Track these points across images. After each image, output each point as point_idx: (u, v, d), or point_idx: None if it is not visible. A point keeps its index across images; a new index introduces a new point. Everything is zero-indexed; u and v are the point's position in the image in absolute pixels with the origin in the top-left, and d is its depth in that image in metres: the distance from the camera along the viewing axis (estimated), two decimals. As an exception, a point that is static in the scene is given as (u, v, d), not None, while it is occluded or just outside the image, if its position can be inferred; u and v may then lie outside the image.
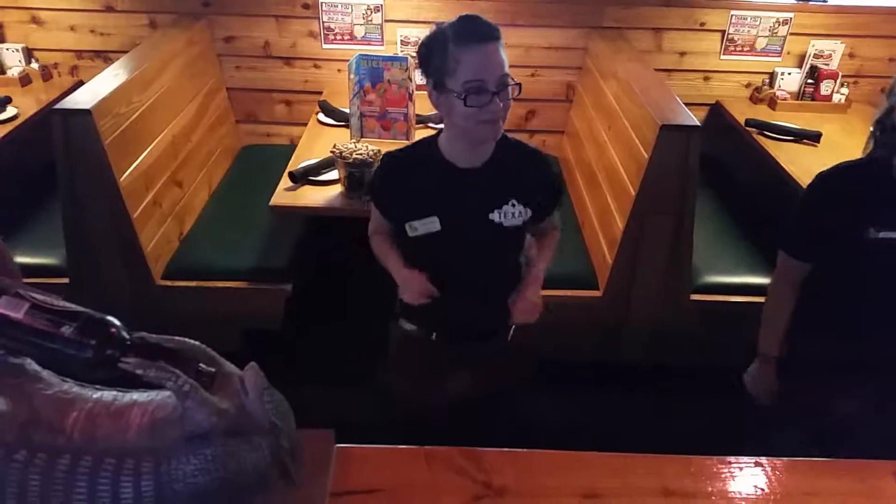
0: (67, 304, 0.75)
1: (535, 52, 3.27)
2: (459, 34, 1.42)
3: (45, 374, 0.82)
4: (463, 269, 1.61)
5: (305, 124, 3.08)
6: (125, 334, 0.75)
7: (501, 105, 1.44)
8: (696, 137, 2.21)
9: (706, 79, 3.39)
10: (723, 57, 3.34)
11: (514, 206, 1.58)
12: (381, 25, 3.24)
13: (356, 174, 2.38)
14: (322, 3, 3.19)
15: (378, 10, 3.20)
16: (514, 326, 1.75)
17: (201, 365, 0.79)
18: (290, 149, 2.82)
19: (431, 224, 1.58)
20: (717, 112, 3.36)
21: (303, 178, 2.48)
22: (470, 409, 1.81)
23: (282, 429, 0.80)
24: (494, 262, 1.66)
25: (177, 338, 0.80)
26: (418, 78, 3.06)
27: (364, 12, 3.21)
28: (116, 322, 0.76)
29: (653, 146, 2.21)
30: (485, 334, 1.72)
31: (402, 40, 3.23)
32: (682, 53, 3.33)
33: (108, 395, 0.81)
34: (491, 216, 1.57)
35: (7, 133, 2.72)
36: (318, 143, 2.79)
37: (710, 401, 2.50)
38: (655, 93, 2.45)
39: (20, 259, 2.49)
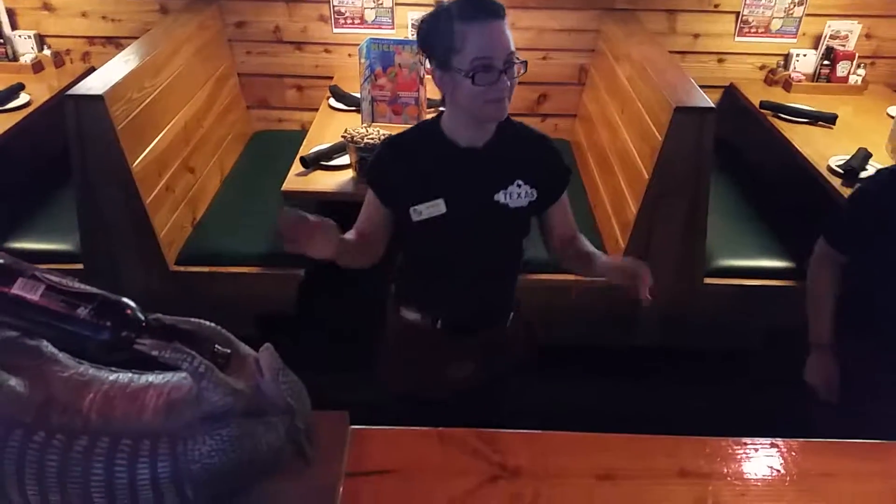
0: (83, 286, 0.75)
1: (546, 34, 3.24)
2: (466, 11, 1.38)
3: (62, 356, 0.83)
4: (468, 252, 1.60)
5: (316, 109, 3.07)
6: (141, 316, 0.76)
7: (508, 83, 1.42)
8: (710, 120, 2.19)
9: (720, 61, 3.35)
10: (737, 39, 3.30)
11: (519, 186, 1.56)
12: (392, 9, 3.21)
13: (367, 159, 2.36)
14: (332, -14, 3.18)
15: (388, -6, 3.18)
16: (513, 313, 1.74)
17: (217, 346, 0.79)
18: (302, 134, 2.82)
19: (436, 207, 1.55)
20: (731, 94, 3.33)
21: (314, 163, 2.48)
22: (473, 398, 1.80)
23: (297, 409, 0.80)
24: (499, 245, 1.63)
25: (192, 319, 0.80)
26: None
27: (374, -4, 3.19)
28: (132, 304, 0.76)
29: (667, 129, 2.19)
30: (487, 320, 1.71)
31: (412, 24, 3.21)
32: (696, 35, 3.29)
33: (123, 376, 0.81)
34: (496, 197, 1.55)
35: (20, 120, 2.72)
36: (330, 128, 2.79)
37: (724, 383, 2.49)
38: (669, 75, 2.43)
39: (34, 245, 2.52)
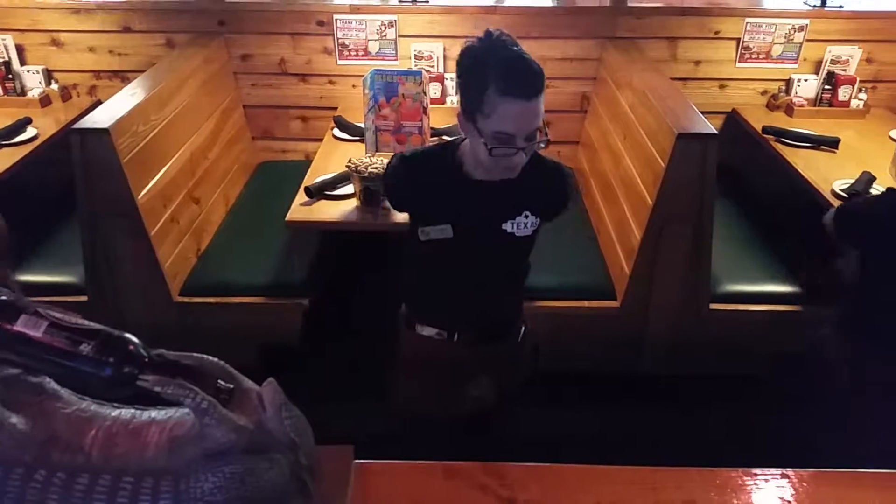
0: (85, 322, 0.75)
1: (549, 63, 3.26)
2: (506, 84, 1.35)
3: (64, 392, 0.82)
4: (473, 273, 1.61)
5: (321, 140, 3.09)
6: (143, 351, 0.75)
7: (523, 157, 1.43)
8: (713, 145, 2.20)
9: (722, 87, 3.37)
10: (738, 65, 3.32)
11: (527, 217, 1.57)
12: (395, 41, 3.25)
13: (372, 188, 2.38)
14: (337, 19, 3.22)
15: (392, 26, 3.22)
16: (524, 327, 1.76)
17: (220, 381, 0.78)
18: (306, 164, 2.83)
19: (443, 231, 1.57)
20: (733, 120, 3.34)
21: (318, 192, 2.49)
22: (485, 420, 1.79)
23: (300, 445, 0.79)
24: (504, 267, 1.66)
25: (195, 354, 0.79)
26: (432, 92, 3.09)
27: (378, 28, 3.23)
28: (135, 339, 0.75)
29: (669, 155, 2.19)
30: (499, 332, 1.72)
31: (415, 55, 3.25)
32: (698, 62, 3.31)
33: (126, 412, 0.80)
34: (504, 226, 1.57)
35: (27, 153, 2.75)
36: (334, 157, 2.80)
37: (732, 410, 2.47)
38: (671, 101, 2.44)
39: (39, 277, 2.52)
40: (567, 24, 3.22)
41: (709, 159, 2.20)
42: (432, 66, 3.22)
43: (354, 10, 3.21)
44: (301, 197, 2.48)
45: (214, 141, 3.00)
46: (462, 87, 1.45)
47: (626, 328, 2.49)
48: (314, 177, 2.60)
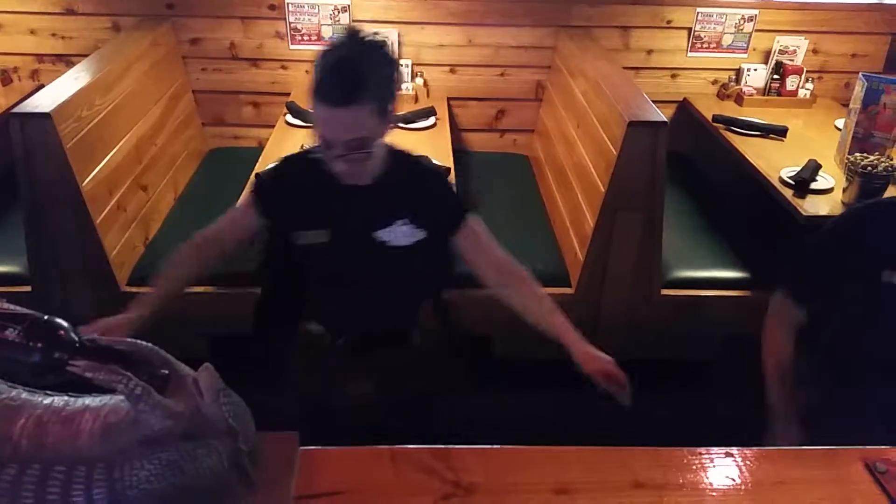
0: (12, 307, 0.72)
1: (504, 51, 3.27)
2: (317, 88, 1.34)
3: (-8, 381, 0.79)
4: (352, 283, 1.57)
5: (273, 126, 3.04)
6: (74, 336, 0.73)
7: (347, 165, 1.39)
8: (663, 133, 2.22)
9: (673, 76, 3.41)
10: (690, 54, 3.36)
11: (403, 225, 1.52)
12: (349, 25, 3.21)
13: (325, 175, 2.35)
14: (288, 3, 3.16)
15: (345, 11, 3.18)
16: (417, 336, 1.71)
17: (154, 367, 0.76)
18: (258, 151, 2.78)
19: (318, 236, 1.53)
20: (684, 109, 3.39)
21: (271, 180, 2.45)
22: (390, 412, 1.74)
23: (239, 431, 0.78)
24: (385, 279, 1.58)
25: (129, 340, 0.77)
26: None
27: (331, 12, 3.19)
28: (65, 324, 0.73)
29: (621, 143, 2.21)
30: (385, 342, 1.68)
31: (369, 41, 3.21)
32: (650, 51, 3.35)
33: (59, 400, 0.78)
34: (376, 234, 1.52)
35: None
36: (287, 144, 2.76)
37: (682, 394, 2.51)
38: (623, 90, 2.46)
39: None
40: (522, 11, 3.22)
41: (659, 147, 2.23)
42: (387, 53, 3.19)
43: (307, -7, 3.16)
44: (252, 185, 2.43)
45: (162, 127, 2.93)
46: None
47: (580, 314, 2.50)
48: (266, 163, 2.55)
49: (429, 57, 3.28)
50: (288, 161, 1.60)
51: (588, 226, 2.38)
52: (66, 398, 0.78)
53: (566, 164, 2.78)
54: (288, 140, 2.80)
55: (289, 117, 3.00)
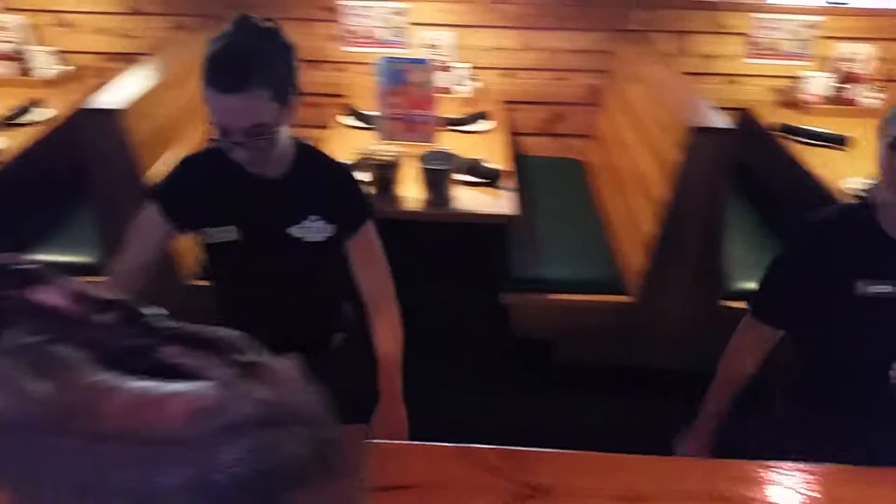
0: (108, 294, 0.74)
1: (560, 55, 3.26)
2: (205, 74, 1.31)
3: (84, 362, 0.81)
4: (265, 281, 1.54)
5: (326, 127, 3.09)
6: (164, 323, 0.74)
7: (248, 153, 1.37)
8: (728, 140, 2.19)
9: (731, 82, 3.36)
10: (747, 60, 3.31)
11: (314, 220, 1.51)
12: (405, 28, 3.24)
13: (383, 175, 2.37)
14: (343, 5, 3.20)
15: (401, 14, 3.21)
16: (342, 338, 1.69)
17: (240, 355, 0.78)
18: (313, 151, 2.82)
19: (228, 233, 1.51)
20: (743, 116, 3.33)
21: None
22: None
23: (321, 421, 0.79)
24: (300, 276, 1.58)
25: (215, 328, 0.79)
26: (446, 81, 3.08)
27: (386, 15, 3.22)
28: (156, 311, 0.75)
29: (683, 149, 2.18)
30: (302, 344, 1.66)
31: (426, 43, 3.23)
32: (707, 57, 3.30)
33: (145, 384, 0.79)
34: (289, 230, 1.51)
35: (38, 134, 2.75)
36: (342, 145, 2.79)
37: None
38: (684, 96, 2.44)
39: (56, 257, 2.52)
40: (578, 15, 3.21)
41: (723, 154, 2.19)
42: (443, 55, 3.21)
43: (363, -5, 3.20)
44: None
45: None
46: None
47: (638, 323, 2.48)
48: (323, 163, 2.59)
49: (485, 60, 3.29)
50: (187, 161, 1.57)
51: (647, 233, 2.35)
52: (153, 383, 0.80)
53: (623, 170, 2.75)
54: (343, 140, 2.84)
55: (343, 118, 3.04)
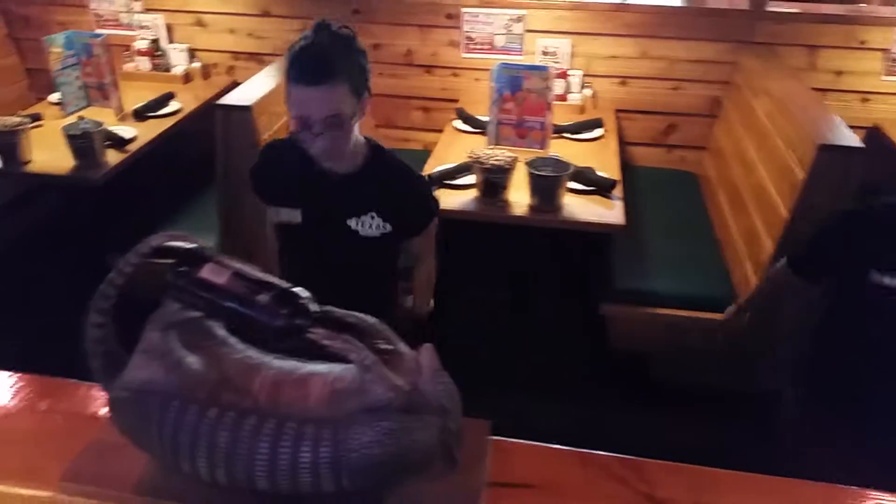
0: (262, 275, 0.79)
1: (679, 64, 3.19)
2: (293, 71, 1.47)
3: (232, 339, 0.87)
4: (322, 265, 1.64)
5: (439, 130, 3.14)
6: (313, 307, 0.79)
7: (326, 143, 1.49)
8: (858, 159, 2.08)
9: (864, 100, 3.18)
10: (885, 78, 3.12)
11: (373, 218, 1.63)
12: (522, 35, 3.25)
13: (492, 180, 2.39)
14: (465, 12, 3.25)
15: (520, 21, 3.22)
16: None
17: (379, 341, 0.81)
18: (424, 154, 2.88)
19: (292, 215, 1.66)
20: (875, 136, 3.14)
21: (439, 181, 2.53)
22: None
23: (450, 412, 0.81)
24: (353, 267, 1.68)
25: (356, 314, 0.82)
26: (557, 88, 3.07)
27: (505, 22, 3.24)
28: (307, 294, 0.79)
29: (809, 167, 2.09)
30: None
31: (542, 50, 3.24)
32: (839, 73, 3.14)
33: (288, 363, 0.84)
34: (348, 222, 1.63)
35: (170, 126, 2.93)
36: (454, 148, 2.84)
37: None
38: (813, 112, 2.34)
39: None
40: (701, 25, 3.13)
41: (853, 174, 2.09)
42: (557, 62, 3.20)
43: (484, 3, 3.23)
44: (422, 184, 2.52)
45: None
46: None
47: (746, 344, 2.39)
48: (435, 164, 2.64)
49: (600, 68, 3.26)
50: (270, 146, 1.78)
51: (766, 251, 2.26)
52: (294, 362, 0.85)
53: (742, 185, 2.66)
54: (456, 144, 2.88)
55: (457, 122, 3.08)
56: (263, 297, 0.77)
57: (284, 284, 0.79)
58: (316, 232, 1.67)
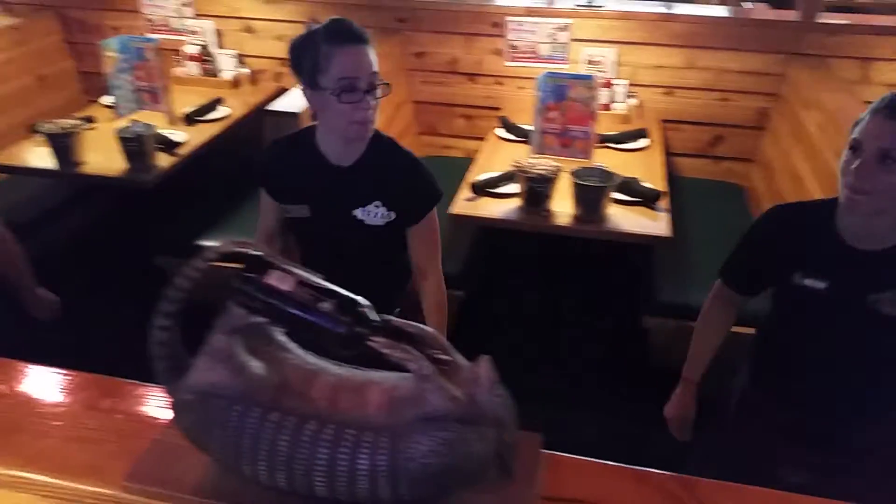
0: (325, 283, 0.81)
1: (727, 75, 3.15)
2: (332, 35, 1.52)
3: (292, 345, 0.89)
4: (332, 255, 1.71)
5: (481, 139, 3.15)
6: (374, 316, 0.80)
7: (369, 109, 1.55)
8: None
9: (920, 114, 3.10)
10: (942, 91, 3.04)
11: (377, 206, 1.68)
12: (567, 45, 3.24)
13: (536, 189, 2.39)
14: (510, 21, 3.25)
15: (565, 29, 3.22)
16: (396, 310, 1.83)
17: (437, 352, 0.82)
18: (466, 161, 2.89)
19: (301, 210, 1.71)
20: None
21: (482, 189, 2.54)
22: None
23: (507, 424, 0.81)
24: (363, 254, 1.74)
25: (415, 323, 0.83)
26: (603, 97, 3.06)
27: (550, 31, 3.24)
28: (367, 303, 0.80)
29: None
30: None
31: (587, 59, 3.22)
32: (893, 86, 3.07)
33: (347, 370, 0.86)
34: (354, 212, 1.68)
35: (219, 130, 2.99)
36: (497, 156, 2.84)
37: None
38: (866, 124, 2.28)
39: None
40: (749, 36, 3.09)
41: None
42: (602, 72, 3.19)
43: (529, 12, 3.23)
44: (464, 192, 2.53)
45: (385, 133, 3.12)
46: (299, 64, 1.57)
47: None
48: (478, 171, 2.65)
49: (645, 77, 3.23)
50: (275, 144, 1.80)
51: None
52: (352, 370, 0.86)
53: (790, 198, 2.61)
54: (498, 153, 2.89)
55: (500, 131, 3.09)
56: (326, 305, 0.78)
57: (346, 293, 0.80)
58: (324, 224, 1.72)
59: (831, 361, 1.53)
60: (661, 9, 3.22)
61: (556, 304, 3.04)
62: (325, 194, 1.69)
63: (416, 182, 1.74)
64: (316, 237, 1.77)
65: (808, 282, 1.47)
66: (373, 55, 1.57)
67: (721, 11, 3.35)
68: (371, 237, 1.72)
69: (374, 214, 1.69)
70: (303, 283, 0.79)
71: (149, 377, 1.06)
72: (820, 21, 3.05)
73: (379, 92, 1.58)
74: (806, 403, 1.60)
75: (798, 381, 1.61)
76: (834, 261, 1.46)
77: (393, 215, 1.70)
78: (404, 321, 0.82)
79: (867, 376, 1.53)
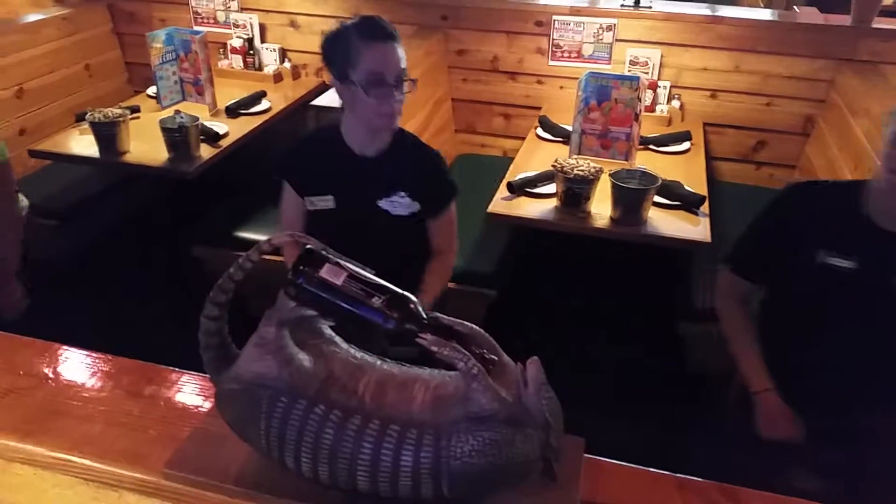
0: (376, 279, 0.81)
1: (772, 80, 3.09)
2: (363, 31, 1.59)
3: (338, 339, 0.89)
4: (356, 246, 1.70)
5: (520, 138, 3.13)
6: (423, 313, 0.80)
7: (398, 103, 1.63)
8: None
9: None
10: None
11: (402, 197, 1.73)
12: (611, 45, 3.21)
13: (575, 190, 2.37)
14: (555, 20, 3.23)
15: (610, 30, 3.19)
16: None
17: (484, 351, 0.81)
18: (503, 160, 2.88)
19: (326, 202, 1.75)
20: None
21: (520, 189, 2.52)
22: None
23: (553, 427, 0.80)
24: (386, 245, 1.72)
25: (464, 322, 0.83)
26: (648, 99, 3.02)
27: (596, 31, 3.21)
28: (416, 299, 0.80)
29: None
30: None
31: (631, 60, 3.19)
32: (950, 95, 2.98)
33: (392, 366, 0.86)
34: (379, 203, 1.73)
35: (261, 123, 3.02)
36: (535, 156, 2.83)
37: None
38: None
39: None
40: (797, 40, 3.03)
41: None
42: (646, 73, 3.15)
43: (574, 11, 3.21)
44: (502, 191, 2.52)
45: (424, 130, 3.12)
46: (331, 57, 1.65)
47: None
48: (515, 173, 2.63)
49: (689, 80, 3.19)
50: (303, 140, 1.87)
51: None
52: (398, 366, 0.86)
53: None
54: (537, 152, 2.87)
55: (539, 130, 3.07)
56: (377, 300, 0.78)
57: (395, 289, 0.80)
58: (349, 215, 1.76)
59: (847, 345, 1.51)
60: (707, 11, 3.17)
61: (590, 307, 3.01)
62: (350, 184, 1.74)
63: (438, 175, 1.81)
64: (340, 230, 1.76)
65: (834, 260, 1.47)
66: (401, 52, 1.63)
67: (767, 15, 3.29)
68: (395, 228, 1.77)
69: (398, 205, 1.74)
70: (354, 277, 0.79)
71: (181, 364, 1.08)
72: (874, 27, 2.97)
73: (406, 87, 1.64)
74: (818, 392, 1.56)
75: (809, 371, 1.57)
76: (863, 240, 1.46)
77: (417, 206, 1.75)
78: (453, 319, 0.82)
79: (884, 361, 1.50)
